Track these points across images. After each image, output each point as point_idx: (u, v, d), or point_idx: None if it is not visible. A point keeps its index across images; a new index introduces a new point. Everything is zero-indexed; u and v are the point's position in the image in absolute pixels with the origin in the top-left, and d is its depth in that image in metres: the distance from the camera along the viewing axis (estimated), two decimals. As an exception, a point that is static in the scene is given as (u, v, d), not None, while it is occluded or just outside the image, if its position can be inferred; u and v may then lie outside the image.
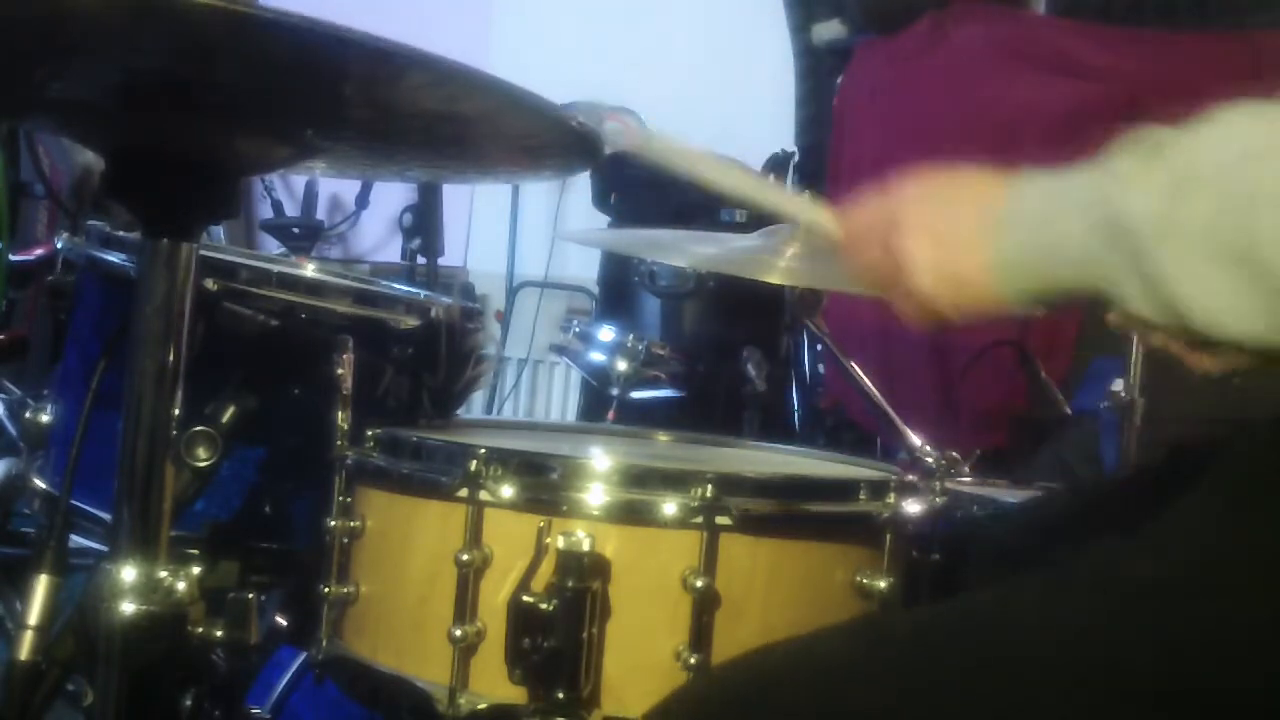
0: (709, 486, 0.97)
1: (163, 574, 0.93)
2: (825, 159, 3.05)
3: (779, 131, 3.25)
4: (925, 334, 2.58)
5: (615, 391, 1.85)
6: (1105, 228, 0.70)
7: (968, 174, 0.84)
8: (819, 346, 2.56)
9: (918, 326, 0.87)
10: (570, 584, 0.93)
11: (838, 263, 0.93)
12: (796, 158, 3.01)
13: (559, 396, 3.71)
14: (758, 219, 2.70)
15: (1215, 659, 0.72)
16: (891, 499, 1.06)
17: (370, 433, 1.11)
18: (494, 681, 0.97)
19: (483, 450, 1.00)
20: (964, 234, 0.81)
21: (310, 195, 3.77)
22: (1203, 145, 0.68)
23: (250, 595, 1.01)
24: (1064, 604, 0.77)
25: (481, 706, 0.98)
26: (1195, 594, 0.74)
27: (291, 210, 3.80)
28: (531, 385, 3.74)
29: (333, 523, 1.08)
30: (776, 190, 1.08)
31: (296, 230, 3.69)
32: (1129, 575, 0.76)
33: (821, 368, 2.72)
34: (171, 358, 0.93)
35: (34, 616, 1.19)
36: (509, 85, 0.83)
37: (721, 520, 0.97)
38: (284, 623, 1.40)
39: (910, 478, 1.12)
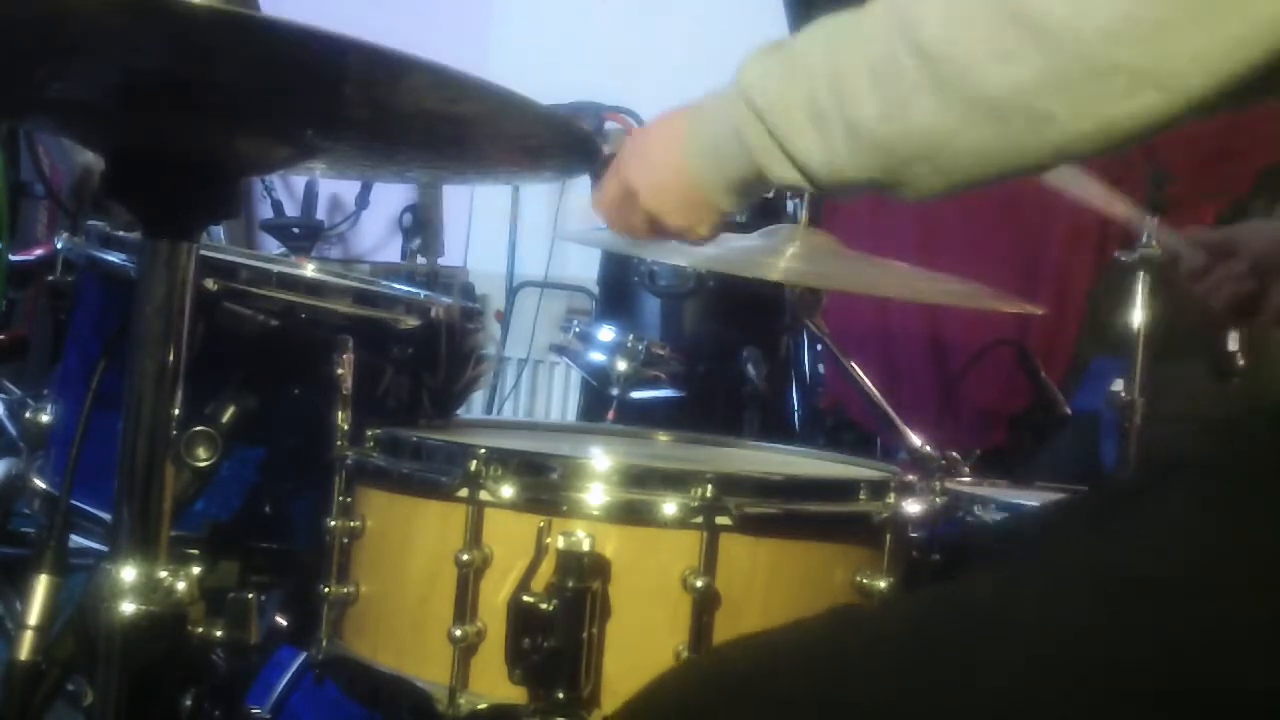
0: (709, 486, 0.97)
1: (163, 574, 0.93)
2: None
3: (779, 131, 3.25)
4: (925, 334, 2.58)
5: (615, 391, 1.85)
6: (747, 116, 0.86)
7: (658, 121, 1.02)
8: (819, 346, 2.56)
9: (653, 236, 1.02)
10: (570, 584, 0.93)
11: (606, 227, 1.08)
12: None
13: (559, 396, 3.71)
14: (758, 219, 2.71)
15: (1215, 659, 0.72)
16: (891, 499, 1.06)
17: (370, 433, 1.11)
18: (494, 681, 0.97)
19: (483, 450, 1.00)
20: (670, 174, 0.97)
21: (310, 195, 3.77)
22: (808, 37, 0.85)
23: (250, 595, 1.01)
24: (1064, 603, 0.77)
25: (481, 706, 0.98)
26: (1195, 594, 0.74)
27: (291, 210, 3.80)
28: (531, 385, 3.74)
29: (333, 523, 1.08)
30: None
31: (296, 230, 3.69)
32: (1129, 575, 0.76)
33: (821, 368, 2.71)
34: (171, 358, 0.93)
35: (34, 616, 1.19)
36: (505, 90, 0.83)
37: (721, 520, 0.97)
38: (284, 623, 1.40)
39: (910, 478, 1.12)
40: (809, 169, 0.84)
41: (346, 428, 1.10)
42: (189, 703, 1.11)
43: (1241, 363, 1.47)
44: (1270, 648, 0.71)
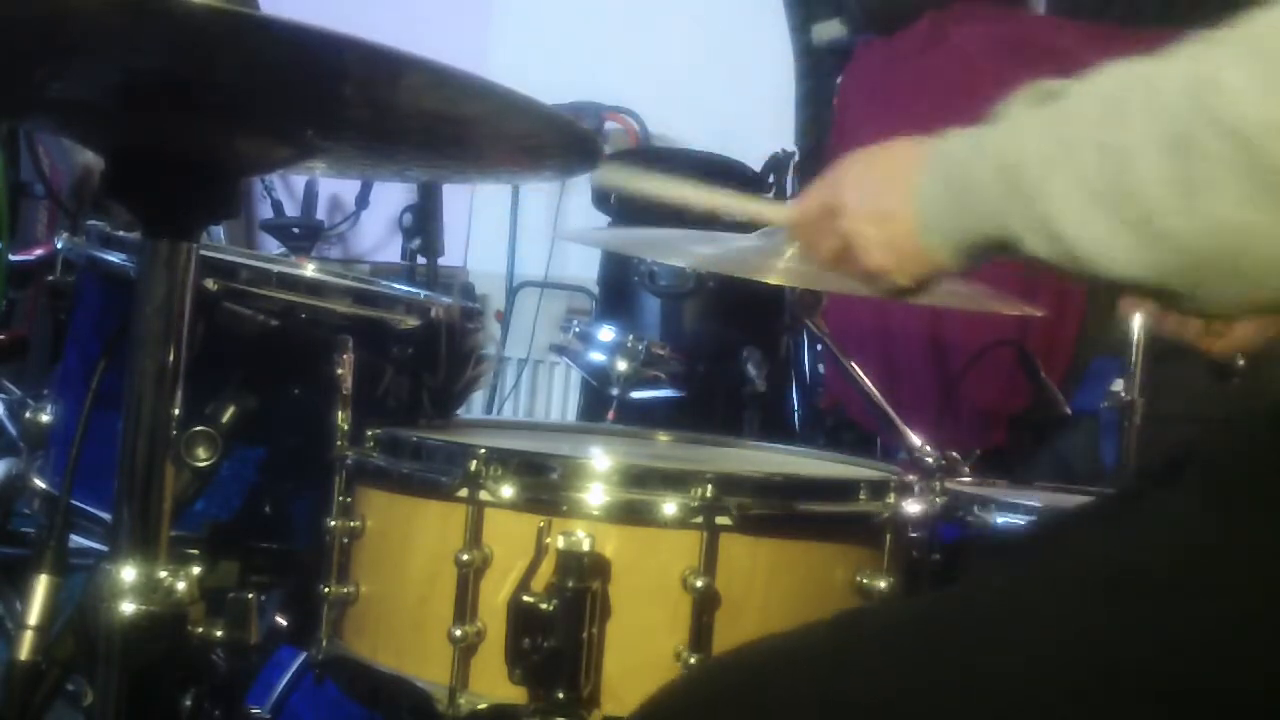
0: (709, 486, 0.97)
1: (163, 574, 0.93)
2: (825, 159, 3.04)
3: (779, 131, 3.25)
4: (925, 334, 2.58)
5: (615, 391, 1.85)
6: (1003, 173, 0.74)
7: (895, 146, 0.88)
8: (819, 346, 2.56)
9: (887, 299, 0.92)
10: (570, 584, 0.93)
11: (798, 255, 0.99)
12: (796, 158, 3.00)
13: (559, 396, 3.71)
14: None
15: (1216, 658, 0.72)
16: (891, 499, 1.06)
17: (370, 433, 1.11)
18: (494, 681, 0.97)
19: (483, 450, 1.00)
20: (894, 205, 0.85)
21: (310, 195, 3.77)
22: (1085, 94, 0.73)
23: (250, 595, 1.01)
24: (1065, 602, 0.77)
25: (481, 706, 0.98)
26: (1196, 593, 0.74)
27: (291, 210, 3.80)
28: (531, 385, 3.74)
29: (333, 523, 1.08)
30: (729, 195, 1.14)
31: (296, 230, 3.69)
32: (1130, 574, 0.76)
33: (821, 368, 2.72)
34: (171, 358, 0.93)
35: (34, 616, 1.19)
36: (505, 90, 0.83)
37: (721, 520, 0.97)
38: (284, 623, 1.40)
39: (910, 478, 1.12)
40: (1078, 253, 0.70)
41: (346, 428, 1.10)
42: (189, 703, 1.10)
43: (1242, 363, 1.46)
44: (1271, 647, 0.71)
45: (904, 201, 0.83)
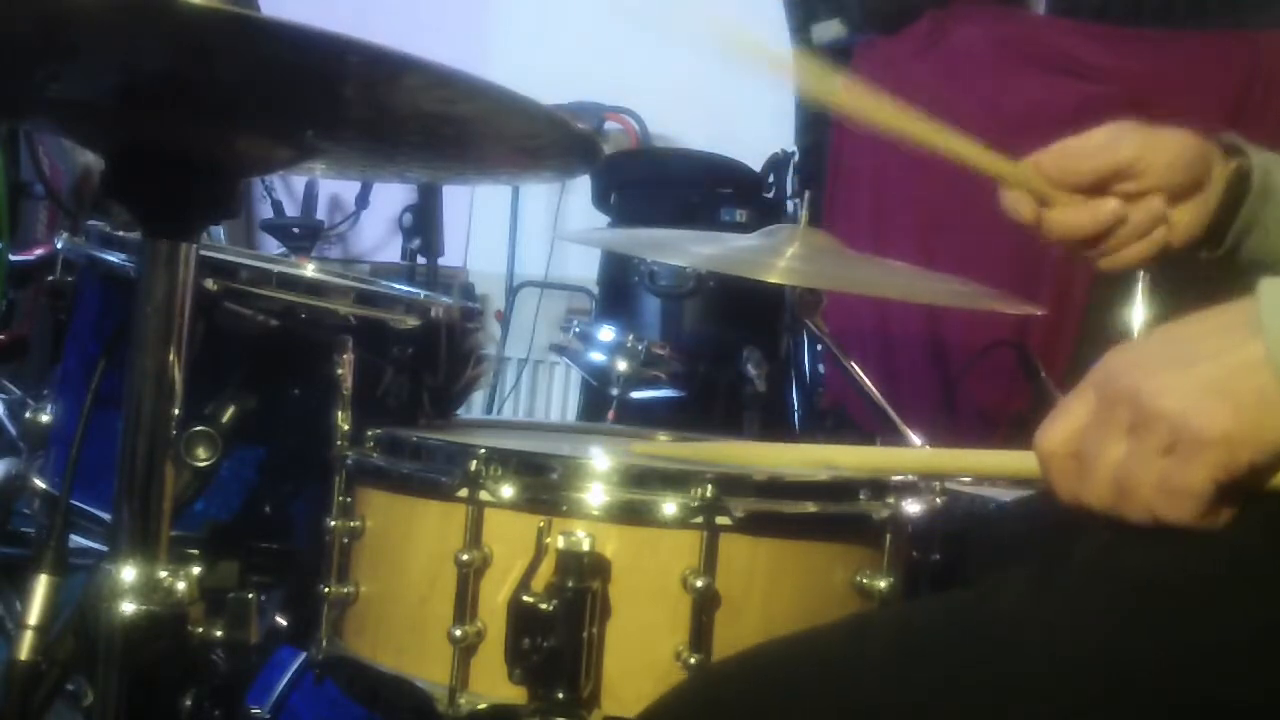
0: (709, 486, 0.97)
1: (163, 574, 0.93)
2: (825, 159, 3.04)
3: (779, 131, 3.25)
4: (925, 334, 2.59)
5: (615, 391, 1.85)
6: None
7: (1177, 324, 0.70)
8: (819, 346, 2.56)
9: (1200, 522, 0.68)
10: (570, 584, 0.93)
11: (1057, 496, 0.74)
12: (796, 158, 3.00)
13: (559, 396, 3.71)
14: (758, 219, 2.71)
15: (1245, 667, 0.69)
16: (891, 499, 1.06)
17: (370, 433, 1.11)
18: (494, 681, 0.97)
19: (483, 450, 1.00)
20: (1224, 348, 0.65)
21: (310, 195, 3.77)
22: None
23: (250, 595, 1.01)
24: (1091, 609, 0.74)
25: (481, 706, 0.98)
26: (1224, 600, 0.70)
27: (291, 210, 3.80)
28: (531, 385, 3.74)
29: (333, 523, 1.08)
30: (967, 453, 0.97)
31: (296, 230, 3.70)
32: (1156, 580, 0.73)
33: (821, 368, 2.72)
34: (171, 358, 0.93)
35: (34, 616, 1.19)
36: (505, 90, 0.83)
37: (721, 520, 0.97)
38: (284, 623, 1.40)
39: (910, 477, 1.12)
40: None
41: (346, 428, 1.10)
42: (189, 703, 1.10)
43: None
44: None
45: (1237, 342, 0.64)
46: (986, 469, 1.07)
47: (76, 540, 1.24)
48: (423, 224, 2.95)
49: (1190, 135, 1.08)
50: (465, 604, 0.98)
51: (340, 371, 1.10)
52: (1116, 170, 1.07)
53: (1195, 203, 1.09)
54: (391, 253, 3.67)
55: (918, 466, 1.09)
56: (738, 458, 1.08)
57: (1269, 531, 0.70)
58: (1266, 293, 0.66)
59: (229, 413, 1.17)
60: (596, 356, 1.88)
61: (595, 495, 0.98)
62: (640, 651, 0.97)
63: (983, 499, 1.41)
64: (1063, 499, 0.73)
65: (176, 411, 0.95)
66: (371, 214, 3.84)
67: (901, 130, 1.05)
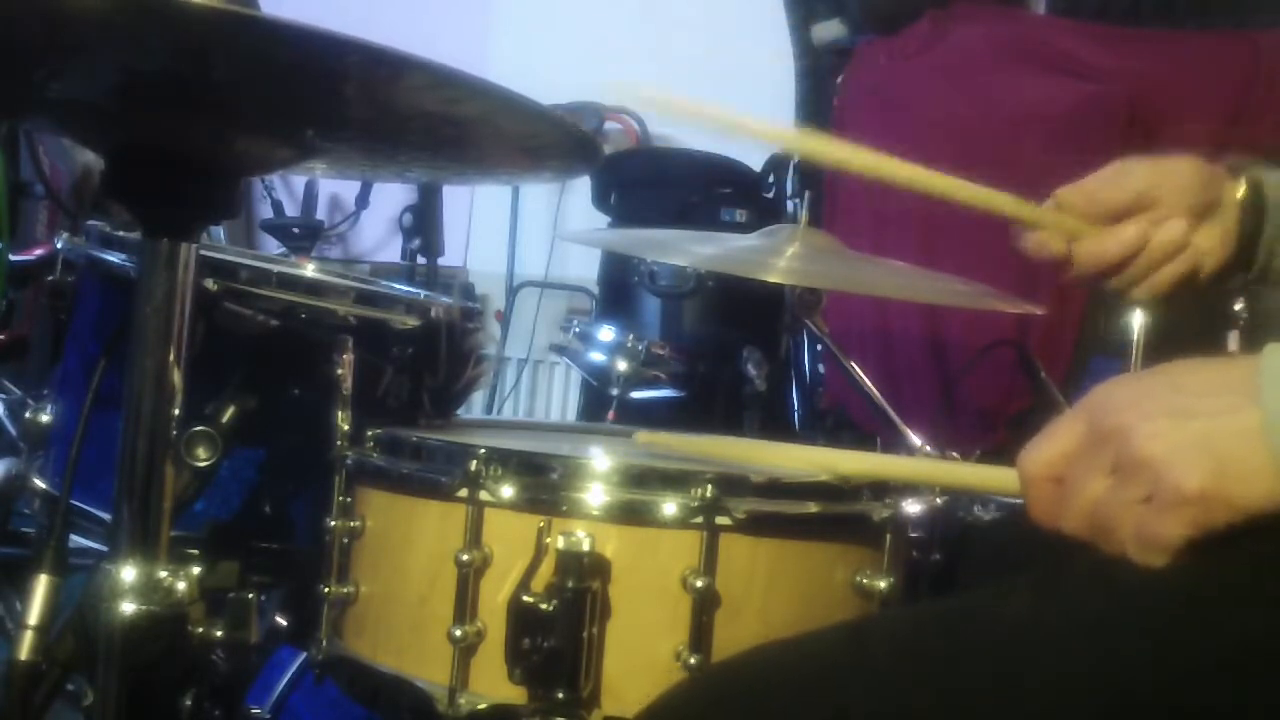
0: (709, 486, 0.97)
1: (163, 574, 0.93)
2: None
3: (779, 132, 3.25)
4: (925, 334, 2.58)
5: (615, 391, 1.85)
6: None
7: (1176, 366, 0.71)
8: (819, 346, 2.56)
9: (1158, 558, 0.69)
10: (570, 584, 0.93)
11: (1037, 522, 0.74)
12: (796, 158, 3.00)
13: (559, 396, 3.71)
14: (758, 219, 2.71)
15: (1263, 674, 0.68)
16: (891, 499, 1.06)
17: (370, 433, 1.11)
18: (494, 681, 0.97)
19: (483, 450, 1.00)
20: (1218, 407, 0.66)
21: (310, 195, 3.77)
22: None
23: (250, 595, 1.01)
24: (1103, 616, 0.74)
25: (481, 706, 0.98)
26: (1241, 607, 0.69)
27: (291, 210, 3.80)
28: (531, 385, 3.74)
29: (333, 523, 1.08)
30: (949, 465, 1.05)
31: (296, 230, 3.70)
32: (1169, 587, 0.71)
33: (821, 368, 2.71)
34: (171, 358, 0.93)
35: (34, 616, 1.19)
36: (505, 90, 0.83)
37: (721, 520, 0.97)
38: (284, 623, 1.40)
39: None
40: None
41: (346, 428, 1.10)
42: (189, 703, 1.10)
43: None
44: None
45: (1235, 405, 0.65)
46: (966, 483, 1.08)
47: (76, 540, 1.24)
48: (423, 224, 2.95)
49: (1195, 160, 1.13)
50: (465, 604, 0.98)
51: (340, 371, 1.10)
52: (1133, 201, 1.12)
53: (1215, 224, 1.12)
54: (391, 253, 3.67)
55: (897, 475, 1.09)
56: (739, 454, 1.08)
57: (1276, 541, 0.69)
58: (1270, 362, 0.66)
59: (229, 413, 1.17)
60: (596, 356, 1.88)
61: (595, 495, 0.98)
62: (640, 652, 0.97)
63: (983, 500, 1.41)
64: (1038, 520, 0.74)
65: (176, 411, 0.95)
66: (371, 214, 3.84)
67: (924, 187, 1.10)
